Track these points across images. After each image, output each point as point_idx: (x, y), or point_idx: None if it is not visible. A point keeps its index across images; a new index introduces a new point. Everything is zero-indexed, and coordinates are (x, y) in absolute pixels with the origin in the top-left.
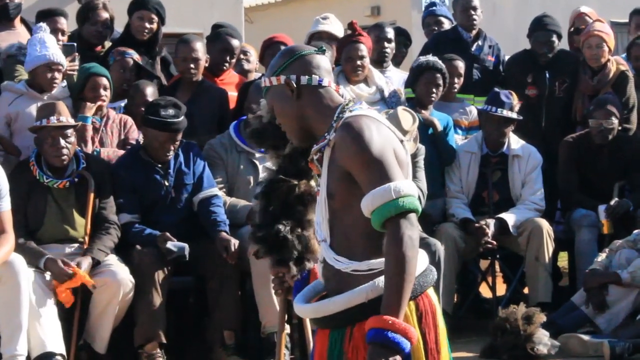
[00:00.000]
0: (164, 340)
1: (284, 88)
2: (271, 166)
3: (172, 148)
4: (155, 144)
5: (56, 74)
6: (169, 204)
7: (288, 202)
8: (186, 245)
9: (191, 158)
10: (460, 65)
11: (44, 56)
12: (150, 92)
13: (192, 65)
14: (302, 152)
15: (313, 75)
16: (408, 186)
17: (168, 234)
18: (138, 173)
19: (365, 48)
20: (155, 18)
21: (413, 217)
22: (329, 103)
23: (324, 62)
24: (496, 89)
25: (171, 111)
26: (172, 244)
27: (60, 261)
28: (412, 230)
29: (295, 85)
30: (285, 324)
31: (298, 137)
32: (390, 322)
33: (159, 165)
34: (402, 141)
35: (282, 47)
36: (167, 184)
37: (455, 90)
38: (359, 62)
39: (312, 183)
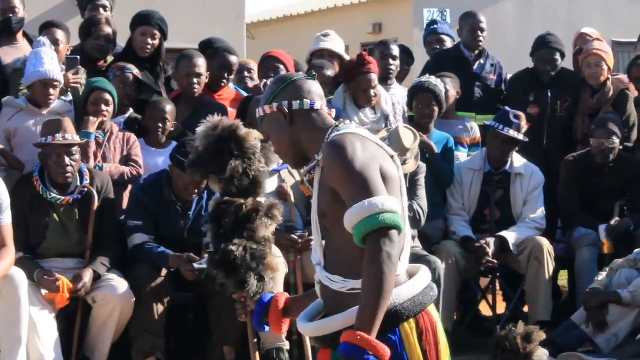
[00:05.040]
0: (162, 357)
1: (277, 115)
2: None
3: (196, 191)
4: (179, 183)
5: (51, 90)
6: (178, 241)
7: (237, 221)
8: None
9: None
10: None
11: (38, 72)
12: (170, 109)
13: (195, 81)
14: (243, 173)
15: (304, 100)
16: (389, 202)
17: (192, 254)
18: (158, 206)
19: (376, 76)
20: (158, 34)
21: (393, 233)
22: (321, 126)
23: (315, 86)
24: (507, 108)
25: None
26: (198, 264)
27: (46, 273)
28: (390, 246)
29: (287, 111)
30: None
31: (294, 161)
32: (359, 337)
33: (180, 204)
34: (392, 157)
35: (277, 63)
36: (182, 223)
37: (451, 106)
38: (372, 92)
39: (260, 199)
